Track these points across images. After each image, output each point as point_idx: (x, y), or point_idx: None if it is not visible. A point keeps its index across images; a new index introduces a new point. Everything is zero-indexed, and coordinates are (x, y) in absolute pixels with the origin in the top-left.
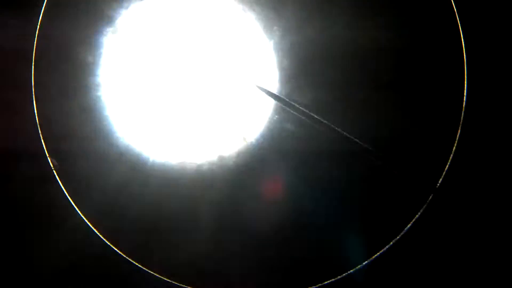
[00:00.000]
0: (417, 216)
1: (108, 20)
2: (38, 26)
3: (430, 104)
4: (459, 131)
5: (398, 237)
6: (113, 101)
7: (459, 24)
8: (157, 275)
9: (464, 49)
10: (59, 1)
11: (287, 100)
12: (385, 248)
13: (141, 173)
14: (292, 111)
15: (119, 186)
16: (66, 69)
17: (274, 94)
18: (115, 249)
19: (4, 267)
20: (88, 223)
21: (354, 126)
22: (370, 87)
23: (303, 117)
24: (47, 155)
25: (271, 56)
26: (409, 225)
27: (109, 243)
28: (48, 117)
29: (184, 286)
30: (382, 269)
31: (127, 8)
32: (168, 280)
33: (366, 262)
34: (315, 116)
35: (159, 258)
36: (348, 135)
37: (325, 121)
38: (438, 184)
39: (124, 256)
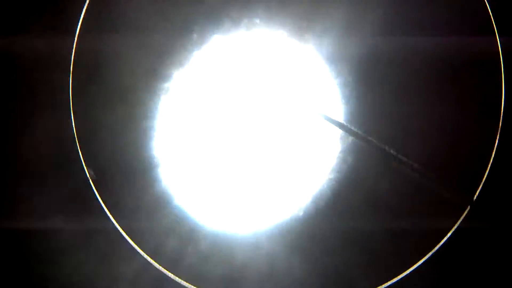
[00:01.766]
0: (454, 228)
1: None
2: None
3: (468, 118)
4: (496, 144)
5: (435, 249)
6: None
7: (498, 39)
8: None
9: (502, 64)
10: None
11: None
12: (422, 260)
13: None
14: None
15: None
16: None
17: (343, 124)
18: (151, 260)
19: (37, 274)
20: (122, 232)
21: (396, 141)
22: (412, 104)
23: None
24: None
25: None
26: (446, 237)
27: (146, 255)
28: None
29: None
30: (419, 281)
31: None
32: None
33: (404, 274)
34: (370, 138)
35: None
36: (393, 151)
37: (374, 140)
38: (475, 197)
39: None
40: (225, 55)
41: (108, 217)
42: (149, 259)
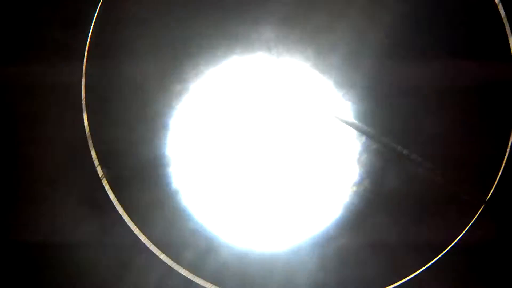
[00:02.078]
0: (467, 227)
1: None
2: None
3: (482, 117)
4: (510, 143)
5: (449, 248)
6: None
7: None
8: None
9: None
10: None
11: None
12: (436, 259)
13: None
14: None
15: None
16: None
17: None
18: (163, 259)
19: (54, 271)
20: (135, 230)
21: (408, 141)
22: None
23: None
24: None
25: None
26: (460, 236)
27: (157, 254)
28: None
29: None
30: (432, 279)
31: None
32: None
33: (418, 271)
34: (383, 139)
35: None
36: (405, 152)
37: (387, 141)
38: (488, 196)
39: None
40: (241, 60)
41: (124, 219)
42: (156, 251)
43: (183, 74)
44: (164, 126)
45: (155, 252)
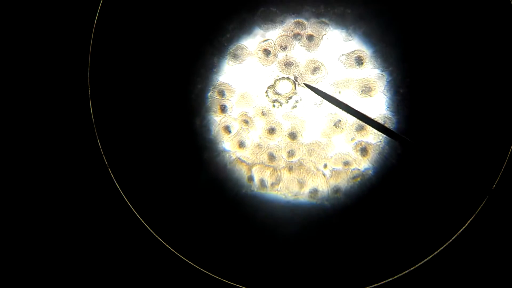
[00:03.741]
0: (472, 217)
1: None
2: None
3: (487, 107)
4: None
5: (453, 238)
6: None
7: None
8: None
9: None
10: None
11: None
12: (441, 248)
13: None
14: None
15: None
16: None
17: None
18: (169, 247)
19: (56, 264)
20: (142, 220)
21: (414, 129)
22: (436, 93)
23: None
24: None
25: None
26: (464, 226)
27: (164, 242)
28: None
29: None
30: (438, 269)
31: None
32: None
33: (423, 262)
34: (388, 127)
35: None
36: (410, 140)
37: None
38: (494, 186)
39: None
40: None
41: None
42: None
43: (190, 65)
44: (171, 115)
45: (160, 239)
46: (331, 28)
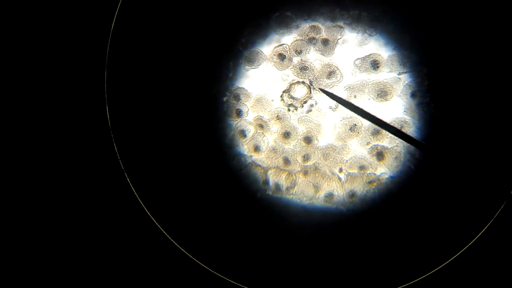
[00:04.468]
0: (490, 222)
1: None
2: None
3: (506, 112)
4: None
5: (472, 242)
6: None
7: None
8: None
9: None
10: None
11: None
12: (459, 253)
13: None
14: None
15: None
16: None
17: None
18: (185, 251)
19: (73, 263)
20: (157, 224)
21: (431, 135)
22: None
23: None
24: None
25: None
26: (482, 231)
27: (180, 247)
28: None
29: None
30: (454, 275)
31: None
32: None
33: (437, 269)
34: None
35: None
36: (427, 145)
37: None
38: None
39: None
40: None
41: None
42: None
43: (206, 70)
44: (187, 120)
45: (177, 245)
46: (347, 32)
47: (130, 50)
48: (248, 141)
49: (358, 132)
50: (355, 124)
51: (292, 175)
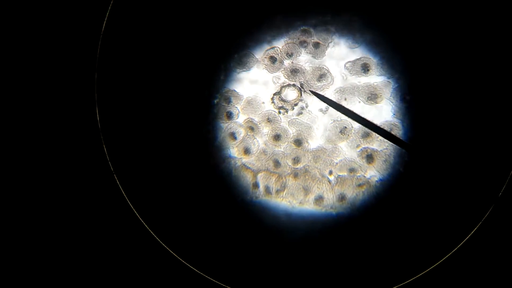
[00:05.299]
0: (479, 225)
1: None
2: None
3: (494, 115)
4: None
5: (460, 245)
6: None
7: None
8: None
9: None
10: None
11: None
12: (448, 255)
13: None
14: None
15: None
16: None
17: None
18: (174, 253)
19: (61, 264)
20: (146, 226)
21: (423, 137)
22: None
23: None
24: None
25: None
26: (471, 234)
27: (166, 246)
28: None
29: None
30: (443, 276)
31: None
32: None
33: (426, 271)
34: (393, 134)
35: None
36: (416, 147)
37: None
38: (500, 194)
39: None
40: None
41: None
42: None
43: (197, 72)
44: (177, 122)
45: (166, 246)
46: (338, 36)
47: (121, 51)
48: (238, 143)
49: (348, 135)
50: (345, 127)
51: (282, 178)
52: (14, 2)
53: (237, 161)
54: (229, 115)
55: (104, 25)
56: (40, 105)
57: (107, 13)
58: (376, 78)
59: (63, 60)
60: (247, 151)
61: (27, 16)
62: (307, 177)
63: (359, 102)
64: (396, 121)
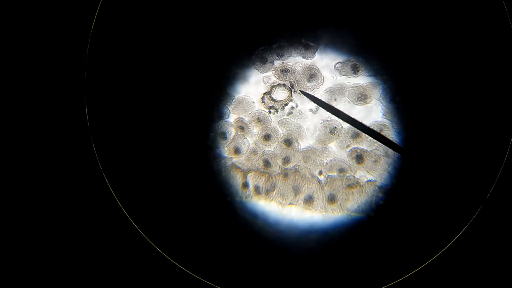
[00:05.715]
0: (467, 225)
1: None
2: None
3: (483, 116)
4: (510, 142)
5: (449, 245)
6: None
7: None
8: None
9: None
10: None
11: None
12: (436, 256)
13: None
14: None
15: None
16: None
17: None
18: (163, 253)
19: (49, 263)
20: (135, 225)
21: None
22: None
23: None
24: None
25: None
26: (459, 235)
27: (158, 249)
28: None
29: None
30: (431, 278)
31: None
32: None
33: (415, 270)
34: (383, 134)
35: None
36: (405, 148)
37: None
38: (488, 194)
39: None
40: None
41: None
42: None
43: (187, 72)
44: (166, 122)
45: (155, 245)
46: (326, 39)
47: (110, 50)
48: (228, 143)
49: (338, 135)
50: (335, 127)
51: (272, 178)
52: (3, 1)
53: (227, 161)
54: (219, 115)
55: (93, 23)
56: (29, 103)
57: (97, 12)
58: (366, 79)
59: (53, 59)
60: (237, 150)
61: (16, 15)
62: (297, 177)
63: (349, 102)
64: (386, 122)
